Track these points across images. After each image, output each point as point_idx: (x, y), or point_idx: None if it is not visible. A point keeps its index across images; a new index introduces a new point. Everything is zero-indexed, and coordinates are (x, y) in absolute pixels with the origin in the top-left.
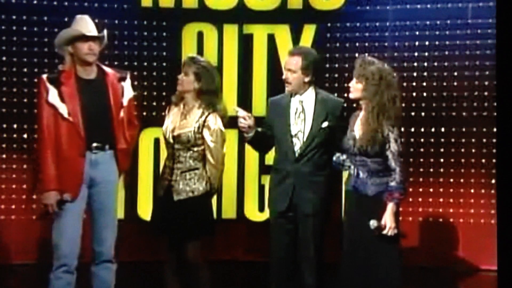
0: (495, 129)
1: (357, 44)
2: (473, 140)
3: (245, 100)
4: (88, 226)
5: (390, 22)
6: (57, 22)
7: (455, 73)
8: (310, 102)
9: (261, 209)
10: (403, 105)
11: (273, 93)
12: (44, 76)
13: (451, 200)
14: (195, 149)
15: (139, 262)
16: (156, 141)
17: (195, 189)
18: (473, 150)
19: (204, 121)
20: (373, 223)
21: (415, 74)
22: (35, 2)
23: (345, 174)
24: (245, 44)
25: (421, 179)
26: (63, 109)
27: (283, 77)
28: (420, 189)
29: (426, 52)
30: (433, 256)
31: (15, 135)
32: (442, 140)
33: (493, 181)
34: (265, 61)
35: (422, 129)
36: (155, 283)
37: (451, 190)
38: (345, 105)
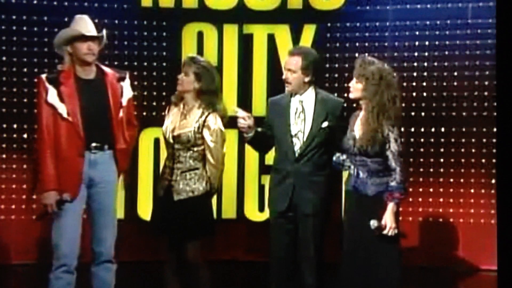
0: (495, 129)
1: (357, 44)
2: (473, 140)
3: (245, 100)
4: (88, 226)
5: (390, 22)
6: (57, 22)
7: (455, 73)
8: (310, 102)
9: (261, 209)
10: (403, 105)
11: (273, 93)
12: (43, 76)
13: (451, 200)
14: (195, 149)
15: (139, 262)
16: (156, 141)
17: (195, 189)
18: (473, 150)
19: (204, 121)
20: (373, 223)
21: (415, 74)
22: (35, 2)
23: (345, 174)
24: (245, 44)
25: (421, 179)
26: (62, 109)
27: (283, 77)
28: (420, 189)
29: (426, 52)
30: (433, 256)
31: (15, 135)
32: (442, 140)
33: (493, 181)
34: (265, 61)
35: (422, 129)
36: (155, 283)
37: (451, 190)
38: (345, 105)
